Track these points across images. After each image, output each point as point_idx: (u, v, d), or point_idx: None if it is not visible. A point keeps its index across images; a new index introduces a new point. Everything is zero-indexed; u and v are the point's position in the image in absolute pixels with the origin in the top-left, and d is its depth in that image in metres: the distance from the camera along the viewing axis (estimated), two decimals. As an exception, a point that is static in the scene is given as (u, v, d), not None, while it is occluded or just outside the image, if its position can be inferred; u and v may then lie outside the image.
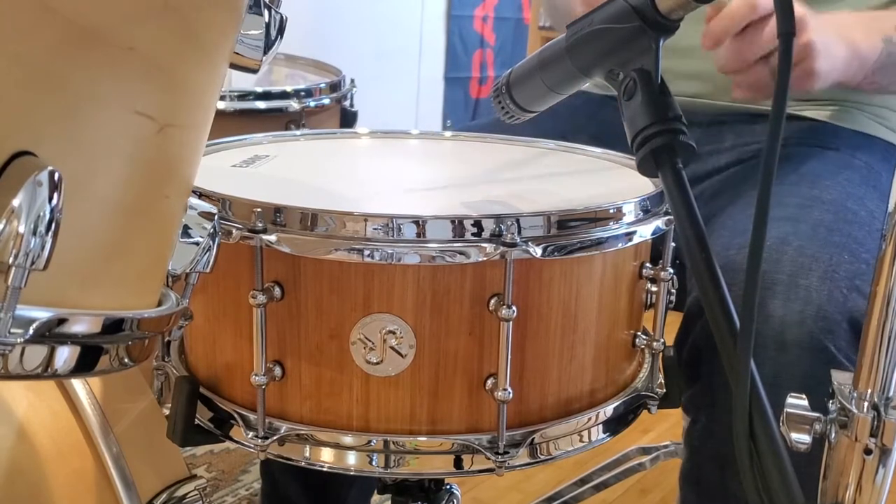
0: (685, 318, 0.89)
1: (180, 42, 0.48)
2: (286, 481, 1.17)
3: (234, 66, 0.55)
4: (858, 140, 1.08)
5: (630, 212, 0.72)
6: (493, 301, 0.67)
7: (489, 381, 0.69)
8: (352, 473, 0.71)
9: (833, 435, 0.55)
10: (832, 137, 1.06)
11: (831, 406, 0.56)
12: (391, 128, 1.08)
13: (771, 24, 0.86)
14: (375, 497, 1.27)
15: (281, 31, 0.56)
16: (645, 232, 0.73)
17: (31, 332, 0.43)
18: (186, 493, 0.77)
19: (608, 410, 0.76)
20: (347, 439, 0.71)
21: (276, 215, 0.67)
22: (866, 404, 0.54)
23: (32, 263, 0.40)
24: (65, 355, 0.45)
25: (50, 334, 0.44)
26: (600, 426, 0.76)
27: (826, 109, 1.10)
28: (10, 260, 0.40)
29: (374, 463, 0.71)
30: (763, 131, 0.97)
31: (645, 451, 1.57)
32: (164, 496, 0.75)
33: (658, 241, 0.77)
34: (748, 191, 1.00)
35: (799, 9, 0.86)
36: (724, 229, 0.92)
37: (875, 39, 0.97)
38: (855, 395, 0.55)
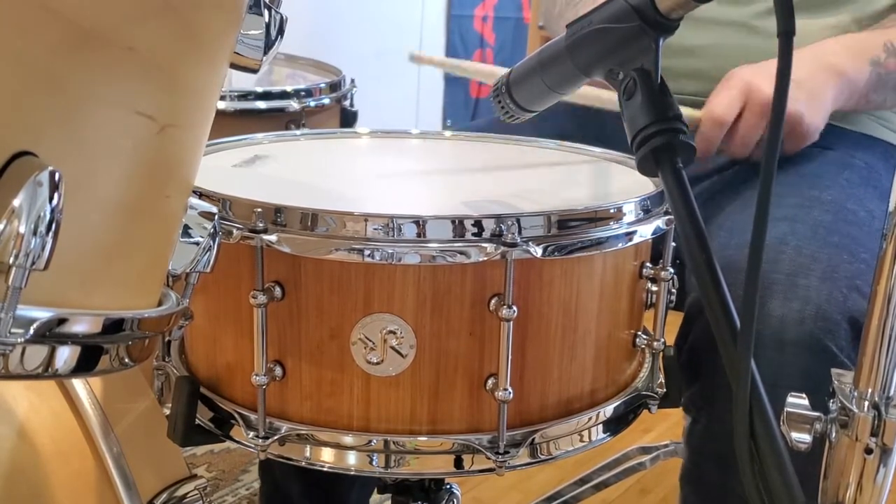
0: (685, 318, 0.89)
1: (180, 42, 0.47)
2: (287, 482, 1.17)
3: (234, 66, 0.55)
4: (858, 140, 1.09)
5: (630, 212, 0.72)
6: (493, 301, 0.67)
7: (489, 381, 0.69)
8: (352, 473, 0.71)
9: (833, 434, 0.55)
10: (832, 138, 1.06)
11: (832, 405, 0.56)
12: (391, 128, 1.08)
13: (744, 119, 0.95)
14: (375, 497, 1.27)
15: (281, 31, 0.56)
16: (645, 232, 0.73)
17: (31, 332, 0.43)
18: (187, 493, 0.77)
19: (608, 410, 0.76)
20: (348, 439, 0.71)
21: (276, 215, 0.67)
22: (867, 404, 0.54)
23: (33, 263, 0.40)
24: (65, 355, 0.45)
25: (50, 334, 0.44)
26: (600, 426, 0.76)
27: None
28: (11, 260, 0.40)
29: (374, 463, 0.71)
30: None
31: (645, 450, 1.57)
32: (164, 496, 0.75)
33: (658, 240, 0.77)
34: (748, 191, 1.00)
35: (771, 88, 0.90)
36: (723, 229, 0.92)
37: (862, 63, 0.98)
38: (855, 394, 0.55)
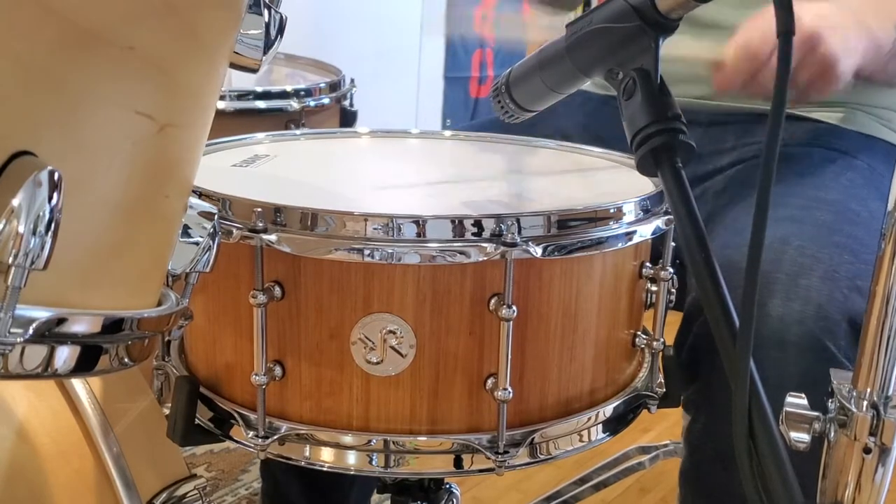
0: (685, 318, 0.89)
1: (180, 42, 0.48)
2: (287, 481, 1.17)
3: (234, 65, 0.55)
4: (862, 141, 1.08)
5: (630, 211, 0.72)
6: (493, 301, 0.67)
7: (489, 381, 0.69)
8: (352, 473, 0.72)
9: (832, 434, 0.55)
10: (835, 139, 1.06)
11: (830, 405, 0.56)
12: (391, 127, 1.08)
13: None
14: (375, 497, 1.27)
15: (281, 31, 0.56)
16: (645, 231, 0.73)
17: (30, 331, 0.43)
18: (186, 493, 0.77)
19: (608, 410, 0.76)
20: (347, 439, 0.71)
21: (276, 215, 0.67)
22: (865, 403, 0.54)
23: (32, 263, 0.40)
24: (65, 355, 0.45)
25: (50, 334, 0.44)
26: (600, 426, 0.76)
27: (834, 112, 1.10)
28: (10, 260, 0.40)
29: (374, 462, 0.71)
30: (764, 132, 0.97)
31: (644, 450, 1.57)
32: (164, 496, 0.75)
33: (658, 240, 0.77)
34: (749, 191, 1.00)
35: (812, 22, 0.87)
36: (724, 229, 0.92)
37: (888, 25, 0.96)
38: (854, 394, 0.55)
